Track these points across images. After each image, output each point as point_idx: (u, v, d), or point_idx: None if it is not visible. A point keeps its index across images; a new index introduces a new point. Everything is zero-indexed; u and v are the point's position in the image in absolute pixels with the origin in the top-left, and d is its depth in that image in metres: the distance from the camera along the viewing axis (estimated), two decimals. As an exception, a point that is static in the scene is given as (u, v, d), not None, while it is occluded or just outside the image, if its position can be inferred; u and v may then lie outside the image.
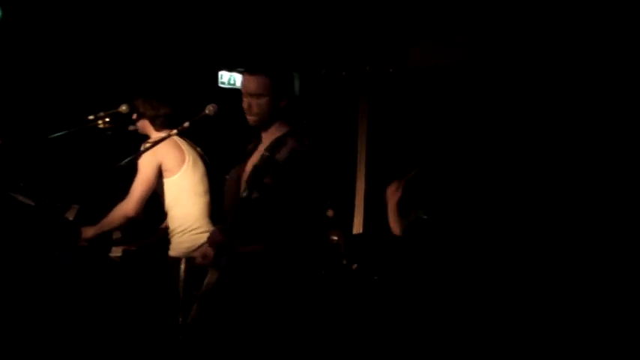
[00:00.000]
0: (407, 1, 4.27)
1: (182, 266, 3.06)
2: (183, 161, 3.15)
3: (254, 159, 2.49)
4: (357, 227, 4.27)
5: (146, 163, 3.09)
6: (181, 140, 3.21)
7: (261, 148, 2.49)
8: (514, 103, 3.96)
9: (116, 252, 3.32)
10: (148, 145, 3.09)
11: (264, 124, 2.51)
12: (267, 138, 2.51)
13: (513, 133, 3.90)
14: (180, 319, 2.77)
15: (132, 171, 3.10)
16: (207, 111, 2.75)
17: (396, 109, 4.45)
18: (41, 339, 3.07)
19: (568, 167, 3.72)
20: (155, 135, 3.22)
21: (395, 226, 3.37)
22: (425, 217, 3.33)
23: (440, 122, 4.18)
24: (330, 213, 3.88)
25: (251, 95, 2.48)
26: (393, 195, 3.32)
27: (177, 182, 3.14)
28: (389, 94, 4.45)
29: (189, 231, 3.12)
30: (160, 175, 3.14)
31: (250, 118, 2.50)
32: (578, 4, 3.71)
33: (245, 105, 2.50)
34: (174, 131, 2.84)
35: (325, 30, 4.62)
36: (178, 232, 3.15)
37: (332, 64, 4.66)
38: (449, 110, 4.15)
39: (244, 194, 2.36)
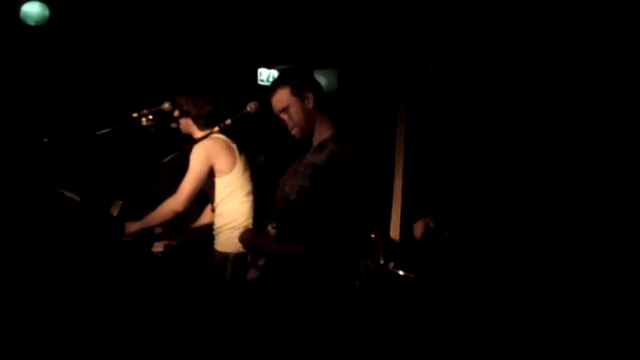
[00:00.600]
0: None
1: (230, 260, 3.11)
2: (235, 161, 3.21)
3: (295, 167, 2.51)
4: (395, 226, 4.26)
5: (199, 163, 3.14)
6: (229, 139, 3.25)
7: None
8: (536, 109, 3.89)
9: (158, 247, 3.39)
10: (193, 143, 3.14)
11: (307, 132, 2.49)
12: (315, 142, 2.51)
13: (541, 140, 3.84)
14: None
15: (174, 168, 3.16)
16: (248, 108, 2.78)
17: (435, 106, 4.41)
18: (85, 331, 3.15)
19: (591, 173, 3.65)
20: (198, 134, 3.27)
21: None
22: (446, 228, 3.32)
23: (479, 122, 4.13)
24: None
25: (279, 113, 2.49)
26: (419, 234, 3.29)
27: (230, 181, 3.21)
28: (428, 91, 4.41)
29: (239, 227, 3.18)
30: (210, 174, 3.20)
31: (293, 133, 2.50)
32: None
33: (282, 124, 2.50)
34: (216, 128, 2.89)
35: (364, 26, 4.61)
36: (229, 229, 3.21)
37: (371, 60, 4.64)
38: (490, 109, 4.10)
39: (283, 197, 2.36)
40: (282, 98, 2.46)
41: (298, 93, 2.46)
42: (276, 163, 2.67)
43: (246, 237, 2.51)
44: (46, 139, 3.28)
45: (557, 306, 3.25)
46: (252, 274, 2.48)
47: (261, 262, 2.45)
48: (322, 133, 2.48)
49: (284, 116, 2.47)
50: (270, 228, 2.44)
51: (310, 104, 2.45)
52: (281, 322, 2.43)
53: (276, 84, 2.48)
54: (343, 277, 2.48)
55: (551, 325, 3.21)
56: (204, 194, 3.31)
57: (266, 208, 2.62)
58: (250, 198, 3.25)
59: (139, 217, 3.26)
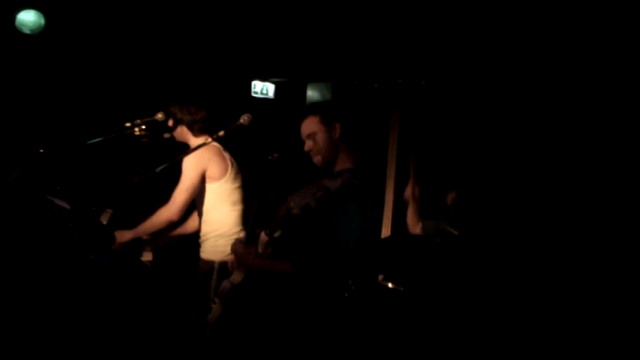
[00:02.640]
0: (439, 14, 4.27)
1: (215, 268, 3.11)
2: (226, 169, 3.22)
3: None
4: (384, 238, 4.27)
5: (191, 169, 3.15)
6: (222, 148, 3.27)
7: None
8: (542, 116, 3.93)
9: (147, 256, 3.38)
10: (187, 151, 3.15)
11: (329, 161, 2.49)
12: (335, 170, 2.51)
13: (541, 145, 3.87)
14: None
15: (165, 178, 3.16)
16: (241, 120, 2.79)
17: (428, 121, 4.44)
18: (74, 339, 3.13)
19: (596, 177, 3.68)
20: (194, 141, 3.28)
21: (413, 223, 3.38)
22: (456, 233, 3.33)
23: (470, 134, 4.17)
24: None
25: (307, 137, 2.50)
26: (410, 194, 3.35)
27: (219, 189, 3.21)
28: (421, 106, 4.45)
29: (225, 235, 3.18)
30: (202, 180, 3.20)
31: (315, 160, 2.50)
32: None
33: (306, 149, 2.51)
34: (210, 139, 2.89)
35: (358, 41, 4.64)
36: (215, 236, 3.20)
37: (364, 75, 4.67)
38: (480, 122, 4.14)
39: (287, 210, 2.37)
40: (311, 125, 2.49)
41: (327, 122, 2.49)
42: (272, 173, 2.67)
43: (237, 248, 2.51)
44: (42, 150, 3.27)
45: (554, 311, 3.27)
46: (236, 277, 2.48)
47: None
48: (344, 163, 2.50)
49: (310, 142, 2.49)
50: (262, 234, 2.44)
51: (337, 135, 2.48)
52: (268, 333, 2.42)
53: (308, 111, 2.53)
54: (330, 291, 2.47)
55: (549, 328, 3.21)
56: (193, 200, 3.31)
57: (261, 216, 2.62)
58: (238, 207, 3.25)
59: (129, 226, 3.25)
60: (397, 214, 4.18)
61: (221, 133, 2.85)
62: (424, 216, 3.42)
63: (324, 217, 2.36)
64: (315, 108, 2.55)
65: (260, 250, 2.42)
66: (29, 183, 3.29)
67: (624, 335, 3.11)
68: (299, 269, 2.38)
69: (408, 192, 3.42)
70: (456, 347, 3.21)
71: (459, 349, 3.20)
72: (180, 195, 3.15)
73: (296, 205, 2.39)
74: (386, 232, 4.15)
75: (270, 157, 2.55)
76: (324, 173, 2.53)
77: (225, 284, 2.50)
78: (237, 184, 3.27)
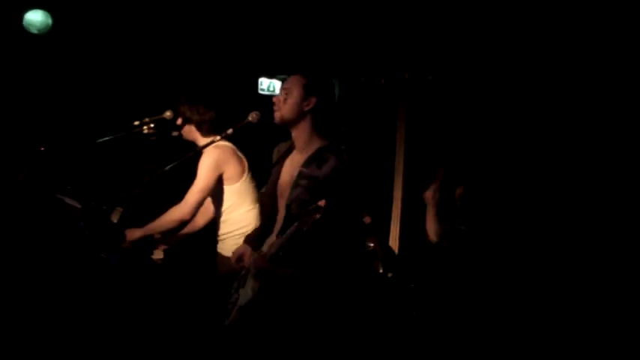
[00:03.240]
0: (446, 10, 4.26)
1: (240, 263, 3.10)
2: (244, 170, 3.23)
3: (290, 172, 2.45)
4: (394, 235, 4.27)
5: (208, 171, 3.15)
6: (236, 148, 3.27)
7: (297, 160, 2.44)
8: (552, 114, 3.92)
9: (158, 254, 3.39)
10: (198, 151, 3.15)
11: (288, 124, 2.45)
12: (301, 150, 2.45)
13: (552, 143, 3.86)
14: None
15: (174, 176, 3.17)
16: (250, 118, 2.79)
17: (435, 117, 4.44)
18: (86, 337, 3.15)
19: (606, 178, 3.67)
20: (202, 141, 3.28)
21: (432, 230, 3.36)
22: (463, 227, 3.32)
23: (478, 130, 4.16)
24: (367, 220, 3.89)
25: (283, 90, 2.45)
26: (432, 197, 3.32)
27: (239, 189, 3.23)
28: (428, 102, 4.44)
29: (247, 233, 3.20)
30: (219, 182, 3.21)
31: (275, 114, 2.45)
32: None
33: (274, 100, 2.45)
34: (218, 137, 2.90)
35: (365, 37, 4.64)
36: (236, 235, 3.21)
37: (371, 71, 4.66)
38: (488, 118, 4.13)
39: (292, 229, 2.26)
40: (293, 82, 2.44)
41: (307, 90, 2.42)
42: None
43: (259, 263, 2.45)
44: (43, 148, 3.28)
45: (558, 315, 3.26)
46: (254, 285, 2.45)
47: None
48: (315, 141, 2.44)
49: (282, 96, 2.44)
50: (274, 237, 2.43)
51: (308, 107, 2.42)
52: (282, 332, 2.41)
53: (301, 71, 2.46)
54: (346, 289, 2.46)
55: (552, 330, 3.21)
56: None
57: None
58: (257, 205, 3.28)
59: (139, 224, 3.26)
60: (406, 211, 4.19)
61: (230, 131, 2.85)
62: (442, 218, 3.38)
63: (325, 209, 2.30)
64: (308, 72, 2.45)
65: (268, 250, 2.40)
66: (36, 182, 3.31)
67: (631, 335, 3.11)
68: (313, 267, 2.36)
69: (430, 195, 3.36)
70: (463, 345, 3.21)
71: (467, 347, 3.20)
72: (194, 195, 3.16)
73: (292, 202, 2.34)
74: (395, 228, 4.16)
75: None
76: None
77: (242, 297, 2.45)
78: (254, 183, 3.30)
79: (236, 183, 3.23)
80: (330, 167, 2.33)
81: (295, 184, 2.36)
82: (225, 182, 3.22)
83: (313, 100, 2.42)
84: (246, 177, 3.25)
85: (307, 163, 2.37)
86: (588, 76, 3.80)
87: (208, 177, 3.16)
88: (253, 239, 2.61)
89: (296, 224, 2.23)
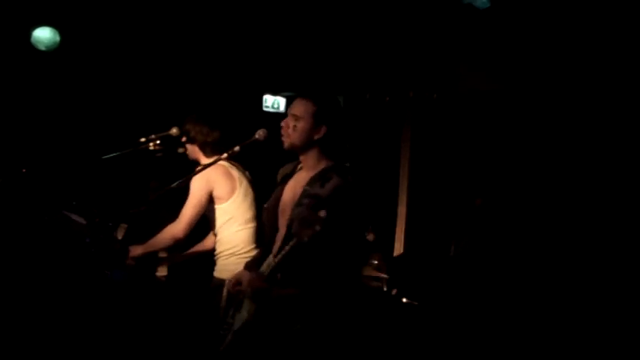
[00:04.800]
0: (452, 27, 4.29)
1: (225, 288, 3.10)
2: (234, 189, 3.21)
3: (293, 191, 2.45)
4: (398, 251, 4.27)
5: (198, 189, 3.15)
6: (232, 166, 3.27)
7: (301, 180, 2.43)
8: (559, 131, 3.93)
9: (162, 272, 3.39)
10: (199, 169, 3.16)
11: (297, 150, 2.45)
12: (308, 170, 2.45)
13: (560, 160, 3.87)
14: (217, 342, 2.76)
15: (180, 193, 3.18)
16: (257, 135, 2.79)
17: (439, 134, 4.45)
18: (90, 353, 3.14)
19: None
20: (204, 161, 3.28)
21: None
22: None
23: (484, 149, 4.17)
24: (370, 237, 3.89)
25: (292, 116, 2.44)
26: None
27: (228, 209, 3.21)
28: (433, 120, 4.45)
29: (237, 254, 3.18)
30: (210, 200, 3.21)
31: (284, 139, 2.45)
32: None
33: (283, 124, 2.45)
34: (225, 155, 2.90)
35: (369, 55, 4.66)
36: (225, 255, 3.21)
37: (376, 88, 4.68)
38: (493, 137, 4.14)
39: (292, 243, 2.25)
40: (303, 109, 2.43)
41: (319, 120, 2.42)
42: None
43: (256, 282, 2.42)
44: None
45: (566, 322, 3.24)
46: (249, 308, 2.42)
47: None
48: (320, 162, 2.44)
49: (290, 122, 2.43)
50: (270, 257, 2.41)
51: (318, 136, 2.42)
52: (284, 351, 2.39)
53: (315, 98, 2.44)
54: (348, 311, 2.43)
55: (560, 337, 3.19)
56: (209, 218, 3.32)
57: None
58: (250, 225, 3.24)
59: (143, 241, 3.26)
60: (410, 228, 4.18)
61: (237, 148, 2.85)
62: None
63: (327, 227, 2.26)
64: (318, 98, 2.44)
65: (265, 270, 2.38)
66: (44, 198, 3.31)
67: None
68: (314, 287, 2.34)
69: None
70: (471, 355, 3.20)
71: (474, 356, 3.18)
72: (187, 213, 3.16)
73: (293, 221, 2.34)
74: (399, 246, 4.15)
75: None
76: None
77: (237, 319, 2.42)
78: (248, 202, 3.26)
79: (225, 202, 3.21)
80: (333, 185, 2.32)
81: (298, 203, 2.36)
82: (215, 201, 3.21)
83: (323, 129, 2.42)
84: (236, 197, 3.22)
85: (311, 182, 2.37)
86: (596, 91, 3.81)
87: (198, 195, 3.16)
88: (253, 265, 2.55)
89: (295, 239, 2.22)
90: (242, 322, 2.39)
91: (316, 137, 2.42)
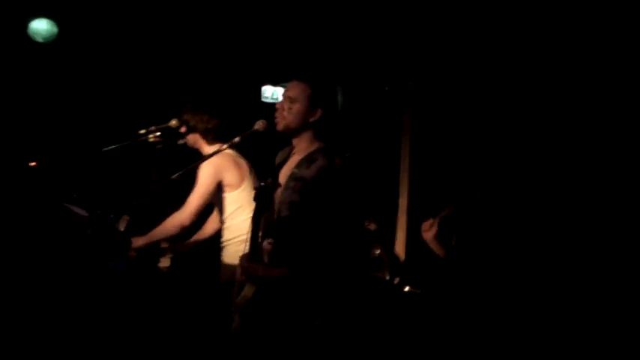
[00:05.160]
0: (450, 16, 4.27)
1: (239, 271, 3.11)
2: (244, 178, 3.24)
3: (285, 176, 2.46)
4: (400, 242, 4.27)
5: (206, 178, 3.16)
6: (237, 155, 3.28)
7: (292, 164, 2.46)
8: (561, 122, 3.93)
9: (164, 262, 3.40)
10: (204, 157, 3.16)
11: (291, 133, 2.46)
12: (299, 153, 2.47)
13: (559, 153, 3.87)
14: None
15: (181, 185, 3.18)
16: (256, 126, 2.79)
17: (440, 124, 4.44)
18: (93, 345, 3.15)
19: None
20: (207, 149, 3.29)
21: (439, 253, 3.36)
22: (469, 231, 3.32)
23: (484, 139, 4.17)
24: (372, 227, 3.89)
25: (287, 99, 2.45)
26: (427, 231, 3.26)
27: (238, 197, 3.23)
28: (432, 109, 4.45)
29: (248, 240, 3.20)
30: (219, 188, 3.22)
31: (278, 121, 2.46)
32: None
33: (278, 106, 2.46)
34: (225, 146, 2.91)
35: (368, 44, 4.65)
36: (237, 242, 3.22)
37: (374, 78, 4.67)
38: (495, 126, 4.14)
39: (275, 216, 2.31)
40: (299, 91, 2.44)
41: (314, 103, 2.43)
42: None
43: (242, 263, 2.48)
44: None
45: (566, 319, 3.26)
46: (248, 290, 2.44)
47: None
48: (311, 144, 2.45)
49: (286, 104, 2.44)
50: (266, 244, 2.42)
51: (312, 119, 2.44)
52: (283, 339, 2.40)
53: (311, 81, 2.45)
54: (344, 293, 2.45)
55: (559, 333, 3.21)
56: (209, 205, 3.33)
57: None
58: None
59: (145, 232, 3.27)
60: (412, 219, 4.18)
61: (237, 139, 2.86)
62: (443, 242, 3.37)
63: (310, 209, 2.31)
64: (313, 81, 2.46)
65: (266, 259, 2.40)
66: (45, 191, 3.31)
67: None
68: (304, 270, 2.35)
69: (426, 229, 3.24)
70: (471, 348, 3.21)
71: (475, 350, 3.20)
72: (194, 202, 3.17)
73: (282, 205, 2.35)
74: (401, 236, 4.15)
75: (263, 183, 2.43)
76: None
77: (240, 299, 2.47)
78: None
79: (235, 190, 3.23)
80: (317, 167, 2.35)
81: (286, 187, 2.37)
82: (225, 189, 3.23)
83: (319, 112, 2.43)
84: (246, 185, 3.25)
85: (298, 165, 2.40)
86: (594, 84, 3.81)
87: (207, 183, 3.17)
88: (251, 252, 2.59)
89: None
90: (244, 301, 2.42)
91: (311, 119, 2.43)
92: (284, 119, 2.45)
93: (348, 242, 2.40)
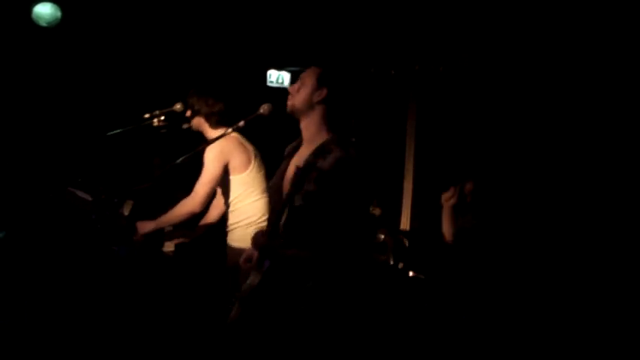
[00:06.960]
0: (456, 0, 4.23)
1: (244, 256, 3.10)
2: (250, 160, 3.24)
3: (297, 163, 2.45)
4: (405, 227, 4.26)
5: (213, 161, 3.16)
6: (243, 138, 3.27)
7: (304, 153, 2.45)
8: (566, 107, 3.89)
9: (169, 247, 3.40)
10: (209, 141, 3.15)
11: (298, 114, 2.47)
12: (310, 142, 2.46)
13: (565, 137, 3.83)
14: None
15: (186, 169, 3.17)
16: (261, 110, 2.78)
17: (445, 108, 4.41)
18: (97, 329, 3.17)
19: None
20: (211, 133, 3.28)
21: (447, 231, 3.38)
22: (474, 222, 3.33)
23: (489, 124, 4.14)
24: (377, 211, 3.89)
25: (299, 81, 2.48)
26: (448, 200, 3.35)
27: (246, 179, 3.23)
28: (438, 94, 4.41)
29: (256, 223, 3.21)
30: (225, 172, 3.22)
31: (288, 102, 2.48)
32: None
33: (290, 89, 2.49)
34: (230, 130, 2.90)
35: (374, 28, 4.61)
36: (244, 225, 3.23)
37: (381, 62, 4.64)
38: (500, 111, 4.10)
39: (288, 201, 2.32)
40: (309, 74, 2.47)
41: (320, 82, 2.45)
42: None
43: (258, 238, 2.49)
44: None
45: (565, 312, 3.25)
46: (254, 278, 2.44)
47: (265, 266, 2.42)
48: (323, 134, 2.45)
49: (297, 85, 2.48)
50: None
51: (317, 99, 2.44)
52: (290, 324, 2.40)
53: (317, 65, 2.49)
54: (355, 279, 2.45)
55: (559, 328, 3.20)
56: (215, 191, 3.33)
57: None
58: (265, 195, 3.27)
59: (149, 217, 3.27)
60: (416, 204, 4.17)
61: (241, 123, 2.84)
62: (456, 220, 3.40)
63: (328, 200, 2.32)
64: (324, 64, 2.49)
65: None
66: (50, 175, 3.32)
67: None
68: (316, 255, 2.35)
69: (447, 197, 3.38)
70: (472, 338, 3.21)
71: (476, 340, 3.20)
72: (203, 187, 3.17)
73: (298, 194, 2.35)
74: (405, 221, 4.15)
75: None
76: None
77: (245, 287, 2.46)
78: (262, 173, 3.30)
79: (242, 173, 3.23)
80: (334, 158, 2.34)
81: (299, 176, 2.36)
82: (231, 172, 3.23)
83: (324, 92, 2.43)
84: (252, 167, 3.25)
85: (313, 156, 2.38)
86: (602, 71, 3.77)
87: (214, 167, 3.17)
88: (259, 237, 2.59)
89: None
90: (249, 289, 2.42)
91: (317, 99, 2.43)
92: (292, 99, 2.47)
93: (359, 228, 2.40)
